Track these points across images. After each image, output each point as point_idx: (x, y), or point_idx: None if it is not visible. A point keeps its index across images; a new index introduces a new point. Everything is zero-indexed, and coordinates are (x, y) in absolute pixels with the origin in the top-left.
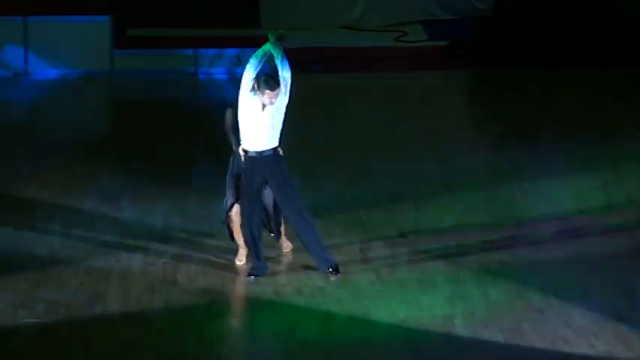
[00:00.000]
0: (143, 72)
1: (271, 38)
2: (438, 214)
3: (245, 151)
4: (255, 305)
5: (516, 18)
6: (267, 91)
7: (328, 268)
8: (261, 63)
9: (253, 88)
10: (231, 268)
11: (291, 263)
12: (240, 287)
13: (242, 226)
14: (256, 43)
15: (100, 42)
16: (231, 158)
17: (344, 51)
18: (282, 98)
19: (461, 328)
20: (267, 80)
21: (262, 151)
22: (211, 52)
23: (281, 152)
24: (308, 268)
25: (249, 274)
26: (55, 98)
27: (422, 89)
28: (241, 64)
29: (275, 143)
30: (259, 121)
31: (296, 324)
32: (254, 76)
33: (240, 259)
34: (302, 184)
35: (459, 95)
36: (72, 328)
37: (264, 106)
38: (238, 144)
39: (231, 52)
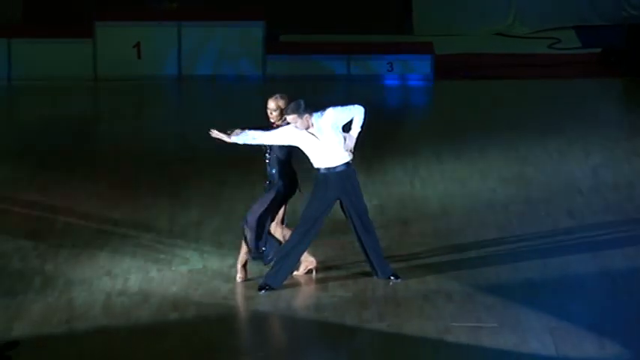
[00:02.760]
0: (294, 77)
1: None
2: (589, 221)
3: (317, 169)
4: (404, 310)
5: None
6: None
7: (389, 277)
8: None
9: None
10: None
11: (439, 268)
12: (390, 292)
13: (290, 242)
14: (408, 50)
15: (254, 47)
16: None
17: (496, 58)
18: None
19: (612, 339)
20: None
21: (334, 167)
22: (363, 57)
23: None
24: (457, 274)
25: (262, 288)
26: (209, 102)
27: (575, 97)
28: (393, 70)
29: (346, 158)
30: (321, 143)
31: (446, 330)
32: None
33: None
34: (455, 188)
35: (613, 103)
36: (220, 332)
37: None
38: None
39: (382, 58)
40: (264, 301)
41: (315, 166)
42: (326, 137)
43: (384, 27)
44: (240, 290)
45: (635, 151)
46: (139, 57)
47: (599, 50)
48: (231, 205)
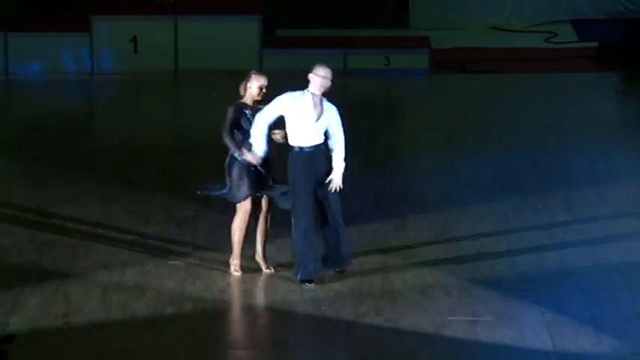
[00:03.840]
0: (291, 71)
1: None
2: (586, 215)
3: (300, 148)
4: (401, 305)
5: None
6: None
7: (337, 269)
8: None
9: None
10: (380, 268)
11: (436, 262)
12: (386, 286)
13: (294, 226)
14: (405, 44)
15: (250, 41)
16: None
17: (493, 52)
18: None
19: (609, 332)
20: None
21: (318, 145)
22: (359, 52)
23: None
24: (454, 268)
25: (303, 281)
26: (205, 96)
27: (572, 91)
28: (389, 64)
29: (316, 141)
30: (311, 126)
31: (443, 324)
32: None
33: (237, 270)
34: (452, 183)
35: (609, 97)
36: (217, 326)
37: (318, 117)
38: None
39: (379, 52)
40: (261, 295)
41: (291, 143)
42: (318, 120)
43: (380, 21)
44: (236, 284)
45: (630, 144)
46: (136, 51)
47: (595, 44)
48: (225, 201)
